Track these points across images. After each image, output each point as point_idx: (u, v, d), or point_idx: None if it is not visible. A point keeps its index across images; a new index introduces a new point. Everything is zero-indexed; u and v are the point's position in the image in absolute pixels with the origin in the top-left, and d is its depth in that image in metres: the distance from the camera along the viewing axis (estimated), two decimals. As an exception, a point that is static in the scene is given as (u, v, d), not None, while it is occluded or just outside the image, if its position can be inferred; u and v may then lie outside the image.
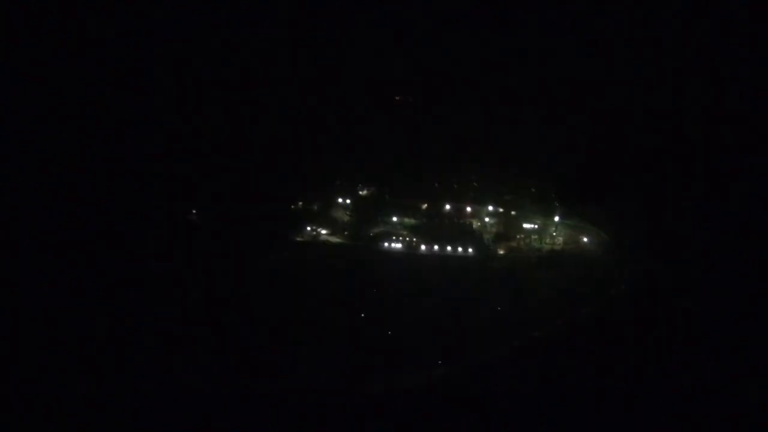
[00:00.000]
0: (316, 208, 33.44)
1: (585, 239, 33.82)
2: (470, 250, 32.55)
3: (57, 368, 23.55)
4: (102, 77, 30.19)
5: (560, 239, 33.86)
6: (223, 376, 24.49)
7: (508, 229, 33.86)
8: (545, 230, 33.95)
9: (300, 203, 33.23)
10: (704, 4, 32.72)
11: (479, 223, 33.90)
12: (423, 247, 32.51)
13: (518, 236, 33.73)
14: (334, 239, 32.59)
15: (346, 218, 33.35)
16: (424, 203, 34.00)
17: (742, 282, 28.69)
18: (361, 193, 34.22)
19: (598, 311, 30.12)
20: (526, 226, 33.87)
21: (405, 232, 33.02)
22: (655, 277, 30.99)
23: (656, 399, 24.97)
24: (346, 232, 32.88)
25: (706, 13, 32.50)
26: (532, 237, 33.74)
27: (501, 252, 33.14)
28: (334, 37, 33.37)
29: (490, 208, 34.12)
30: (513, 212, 34.20)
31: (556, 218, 34.01)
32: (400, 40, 33.96)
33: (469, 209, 34.07)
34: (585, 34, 34.11)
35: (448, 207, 33.93)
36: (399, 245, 32.53)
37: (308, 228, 32.52)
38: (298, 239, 32.05)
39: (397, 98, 35.42)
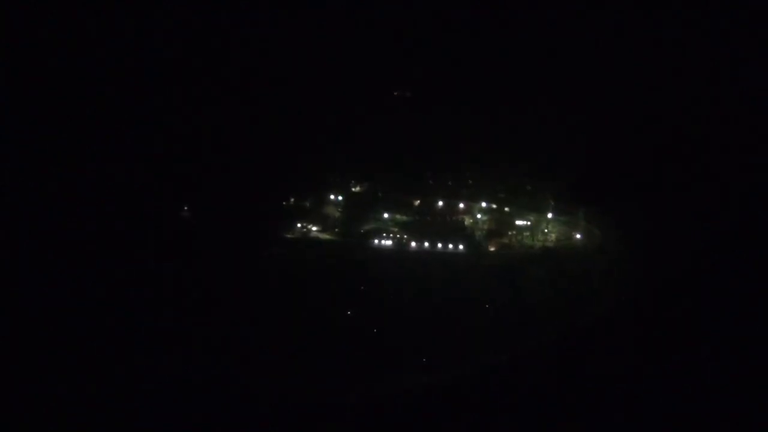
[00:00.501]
0: (308, 204, 33.67)
1: (578, 236, 33.74)
2: (461, 246, 32.67)
3: (57, 368, 24.13)
4: (89, 76, 30.32)
5: (552, 236, 33.82)
6: (212, 375, 25.05)
7: (500, 225, 33.86)
8: (537, 227, 33.95)
9: (292, 200, 33.49)
10: (704, 3, 32.14)
11: (471, 220, 33.95)
12: (413, 243, 32.69)
13: (510, 233, 33.74)
14: (325, 236, 32.90)
15: (337, 215, 33.56)
16: (417, 199, 34.12)
17: (742, 282, 28.51)
18: (353, 189, 34.37)
19: (597, 311, 30.03)
20: (518, 222, 33.86)
21: (396, 229, 33.19)
22: (653, 275, 30.85)
23: (661, 402, 25.00)
24: (336, 229, 33.12)
25: (706, 13, 31.94)
26: (524, 234, 33.73)
27: (492, 249, 33.21)
28: (324, 33, 33.10)
29: (483, 204, 34.16)
30: (506, 209, 34.23)
31: (549, 215, 33.99)
32: (393, 35, 33.69)
33: (461, 205, 34.16)
34: (582, 32, 33.66)
35: (440, 203, 34.01)
36: (389, 242, 32.73)
37: (299, 225, 32.84)
38: (289, 236, 32.40)
39: (395, 93, 35.39)
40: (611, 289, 31.15)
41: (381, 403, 25.67)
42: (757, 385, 24.57)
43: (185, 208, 31.44)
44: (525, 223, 33.86)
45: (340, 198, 33.96)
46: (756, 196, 31.30)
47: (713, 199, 31.57)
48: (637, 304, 30.38)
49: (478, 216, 33.93)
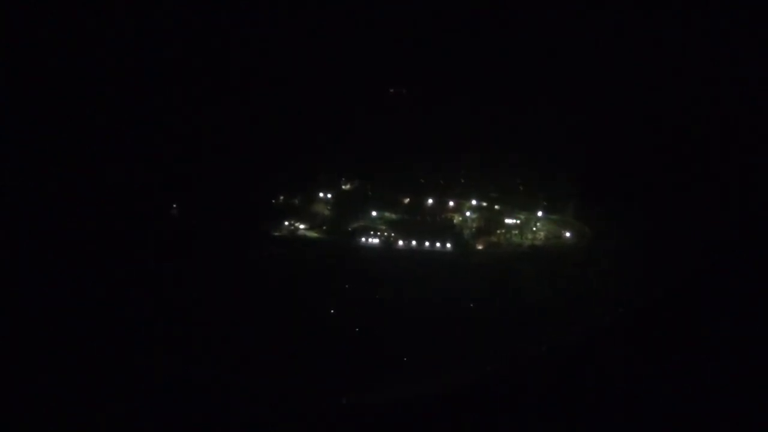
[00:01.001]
0: (297, 202, 33.82)
1: (567, 234, 33.68)
2: (448, 245, 32.80)
3: (55, 368, 24.66)
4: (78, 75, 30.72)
5: (542, 234, 33.76)
6: (195, 374, 25.63)
7: (489, 224, 33.78)
8: (527, 225, 33.92)
9: (281, 198, 33.69)
10: (704, 3, 31.47)
11: (460, 218, 33.94)
12: (401, 242, 32.81)
13: (499, 231, 33.71)
14: (312, 234, 33.10)
15: (326, 213, 33.70)
16: (407, 198, 34.12)
17: (735, 279, 28.29)
18: (344, 187, 34.53)
19: (587, 310, 29.97)
20: (507, 221, 33.80)
21: (384, 227, 33.26)
22: (645, 274, 30.75)
23: (665, 406, 25.18)
24: (324, 227, 33.29)
25: (706, 13, 31.29)
26: (513, 232, 33.68)
27: (480, 247, 33.30)
28: (312, 29, 33.26)
29: (474, 202, 34.14)
30: (496, 206, 34.21)
31: (540, 213, 33.92)
32: (383, 33, 33.60)
33: (451, 204, 34.20)
34: (580, 32, 33.25)
35: (430, 201, 34.05)
36: (376, 240, 32.84)
37: (286, 223, 33.04)
38: (276, 234, 32.68)
39: (392, 91, 35.33)
40: (601, 288, 31.13)
41: (363, 407, 26.13)
42: (757, 386, 24.56)
43: (174, 206, 31.78)
44: (514, 221, 33.75)
45: (329, 196, 34.08)
46: (749, 194, 31.01)
47: (707, 198, 31.24)
48: (629, 303, 30.36)
49: (467, 214, 33.87)
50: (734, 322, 26.92)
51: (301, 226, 33.35)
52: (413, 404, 26.43)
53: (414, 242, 32.89)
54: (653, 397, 25.14)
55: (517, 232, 33.72)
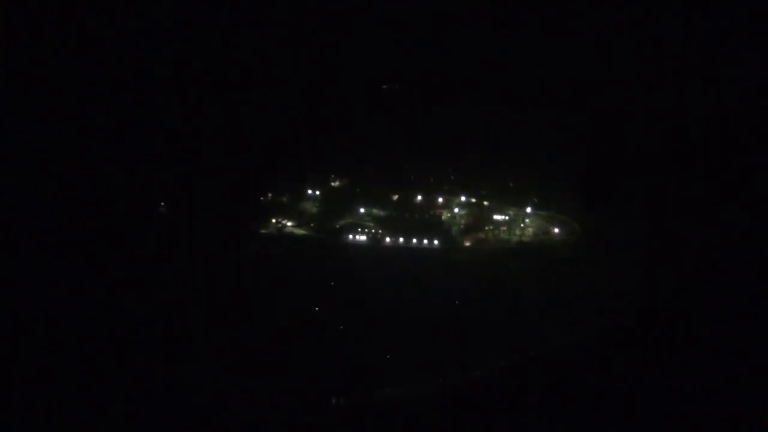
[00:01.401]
0: (285, 200, 33.87)
1: (556, 230, 33.68)
2: (436, 242, 32.84)
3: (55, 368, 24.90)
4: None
5: (530, 230, 33.73)
6: (183, 374, 25.84)
7: (477, 220, 33.74)
8: (515, 222, 33.92)
9: (269, 195, 33.78)
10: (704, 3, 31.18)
11: (448, 215, 33.92)
12: (388, 239, 32.87)
13: (487, 228, 33.70)
14: (299, 231, 33.14)
15: (314, 210, 33.72)
16: (395, 194, 34.13)
17: (739, 281, 28.30)
18: (332, 184, 34.58)
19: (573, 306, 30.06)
20: (496, 217, 33.75)
21: (371, 224, 33.25)
22: (633, 272, 30.74)
23: (665, 408, 25.29)
24: (312, 224, 33.36)
25: (706, 13, 31.01)
26: (501, 229, 33.67)
27: (467, 244, 33.37)
28: (300, 27, 33.24)
29: (462, 199, 34.12)
30: (485, 203, 34.23)
31: (528, 209, 33.91)
32: (373, 30, 33.55)
33: (440, 200, 34.21)
34: (576, 31, 33.09)
35: (419, 198, 34.06)
36: (363, 237, 32.85)
37: (274, 220, 33.11)
38: (263, 232, 32.77)
39: (385, 87, 35.31)
40: (590, 284, 31.18)
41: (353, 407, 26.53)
42: (756, 386, 24.64)
43: (161, 204, 31.99)
44: (503, 217, 33.73)
45: (317, 193, 34.12)
46: (747, 194, 30.91)
47: (703, 197, 31.20)
48: (619, 298, 30.45)
49: (456, 210, 33.86)
50: (733, 321, 27.04)
51: (289, 224, 33.41)
52: (404, 404, 26.75)
53: (401, 239, 32.90)
54: (650, 396, 25.32)
55: (505, 228, 33.68)
